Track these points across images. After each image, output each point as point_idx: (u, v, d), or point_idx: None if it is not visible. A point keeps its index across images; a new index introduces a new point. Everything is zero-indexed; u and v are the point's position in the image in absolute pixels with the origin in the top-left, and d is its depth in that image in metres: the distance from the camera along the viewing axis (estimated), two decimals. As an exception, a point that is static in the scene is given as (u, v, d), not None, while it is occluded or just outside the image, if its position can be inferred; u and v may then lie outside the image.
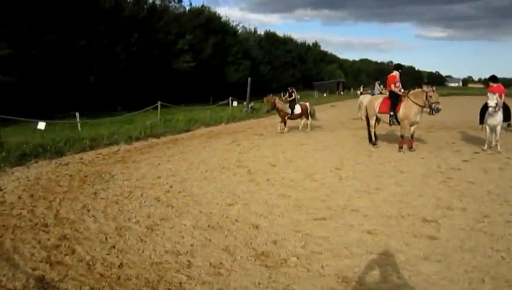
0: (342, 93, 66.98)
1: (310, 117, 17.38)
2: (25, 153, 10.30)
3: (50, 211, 6.45)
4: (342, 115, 25.07)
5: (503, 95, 11.55)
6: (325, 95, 54.42)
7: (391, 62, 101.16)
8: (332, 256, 4.78)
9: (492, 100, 11.00)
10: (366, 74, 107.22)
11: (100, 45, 30.31)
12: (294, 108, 16.74)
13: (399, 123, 11.66)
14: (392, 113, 11.68)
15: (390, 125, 12.08)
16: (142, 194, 7.42)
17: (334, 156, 11.02)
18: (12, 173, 9.03)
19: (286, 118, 16.70)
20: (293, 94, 17.22)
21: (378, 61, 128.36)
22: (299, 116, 17.07)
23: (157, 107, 18.24)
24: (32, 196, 7.31)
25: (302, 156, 11.09)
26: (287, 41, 70.79)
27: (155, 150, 12.26)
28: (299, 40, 78.57)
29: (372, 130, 12.46)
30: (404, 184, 7.94)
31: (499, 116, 11.18)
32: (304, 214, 6.26)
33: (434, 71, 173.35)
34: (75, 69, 28.51)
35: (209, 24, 46.52)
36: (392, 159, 10.48)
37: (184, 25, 42.81)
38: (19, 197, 7.19)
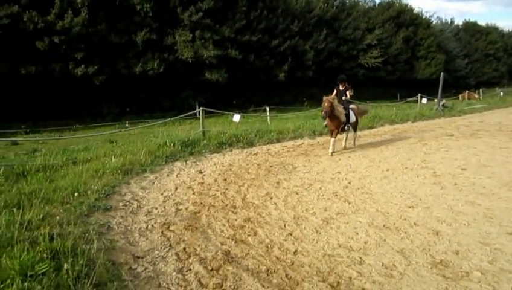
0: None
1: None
2: (222, 142, 11.64)
3: (239, 195, 7.19)
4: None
5: None
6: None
7: None
8: (527, 278, 4.15)
9: None
10: None
11: (291, 44, 32.01)
12: (349, 114, 11.24)
13: None
14: None
15: None
16: (320, 188, 7.65)
17: (543, 163, 9.41)
18: (211, 158, 10.32)
19: (339, 129, 11.07)
20: (348, 92, 11.28)
21: None
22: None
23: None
24: (225, 180, 8.25)
25: (501, 161, 9.77)
26: (491, 31, 62.79)
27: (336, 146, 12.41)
28: (505, 29, 69.04)
29: None
30: None
31: None
32: (496, 226, 5.55)
33: None
34: (267, 67, 30.77)
35: (400, 17, 44.63)
36: None
37: (373, 19, 42.09)
38: (215, 180, 8.20)
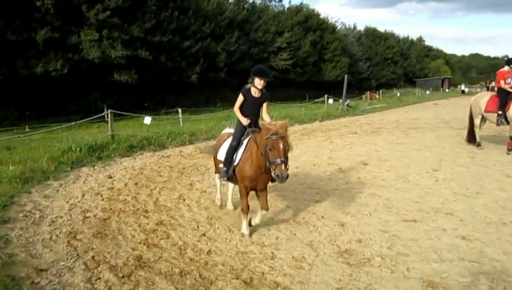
0: (447, 90, 62.76)
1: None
2: (133, 145, 11.31)
3: (150, 199, 7.05)
4: (446, 114, 23.51)
5: None
6: (427, 92, 51.47)
7: (507, 57, 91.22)
8: (419, 259, 4.59)
9: None
10: (476, 70, 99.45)
11: (203, 46, 31.93)
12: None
13: (508, 123, 10.67)
14: (500, 112, 10.74)
15: (498, 125, 11.09)
16: (234, 187, 7.72)
17: (432, 156, 10.43)
18: (121, 162, 9.98)
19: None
20: (265, 107, 5.78)
21: (491, 56, 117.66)
22: None
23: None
24: (136, 184, 8.03)
25: (397, 155, 10.67)
26: (388, 36, 68.04)
27: (249, 146, 12.64)
28: (401, 35, 75.22)
29: (477, 130, 11.56)
30: (509, 189, 7.26)
31: None
32: (394, 214, 6.07)
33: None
34: (180, 68, 30.39)
35: (308, 22, 46.48)
36: (498, 162, 9.63)
37: (283, 23, 43.35)
38: (125, 185, 7.95)
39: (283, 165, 4.66)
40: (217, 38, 34.24)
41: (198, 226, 5.74)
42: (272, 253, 4.86)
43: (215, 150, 6.25)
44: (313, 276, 4.29)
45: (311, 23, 46.82)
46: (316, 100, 27.52)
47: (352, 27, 65.00)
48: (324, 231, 5.51)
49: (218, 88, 34.63)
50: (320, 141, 13.48)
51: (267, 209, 5.42)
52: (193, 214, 6.25)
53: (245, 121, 5.50)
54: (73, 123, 13.58)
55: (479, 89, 57.12)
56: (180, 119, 17.42)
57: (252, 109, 5.63)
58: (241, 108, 5.66)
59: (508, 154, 10.46)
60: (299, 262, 4.62)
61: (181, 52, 30.48)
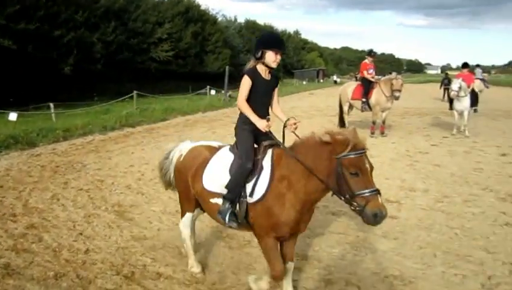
0: (321, 81, 67.46)
1: None
2: (-4, 145, 10.20)
3: (19, 201, 6.47)
4: (320, 103, 25.30)
5: (472, 83, 12.04)
6: (304, 83, 54.78)
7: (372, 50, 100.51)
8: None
9: (455, 84, 11.47)
10: (347, 62, 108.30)
11: (76, 35, 29.82)
12: None
13: (371, 109, 11.90)
14: (364, 99, 11.92)
15: (362, 111, 12.32)
16: (113, 183, 7.48)
17: (307, 142, 11.18)
18: (-17, 164, 8.96)
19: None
20: (276, 101, 3.98)
21: (359, 49, 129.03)
22: None
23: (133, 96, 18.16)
24: (1, 187, 7.29)
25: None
26: (268, 29, 70.65)
27: (130, 140, 12.24)
28: (279, 29, 78.61)
29: (345, 116, 12.68)
30: (371, 168, 8.15)
31: (466, 101, 11.54)
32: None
33: (414, 59, 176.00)
34: (51, 59, 28.03)
35: (189, 12, 46.09)
36: (364, 144, 10.70)
37: (163, 13, 42.40)
38: (-12, 188, 7.17)
39: (379, 198, 3.08)
40: (92, 28, 32.21)
41: (74, 226, 5.45)
42: (154, 245, 4.83)
43: (185, 175, 4.03)
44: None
45: (192, 14, 46.52)
46: (199, 92, 27.56)
47: (233, 19, 66.19)
48: (207, 218, 5.57)
49: (95, 80, 32.73)
50: (203, 132, 13.59)
51: (293, 259, 3.73)
52: (69, 214, 5.91)
53: (264, 126, 3.57)
54: None
55: (348, 80, 62.34)
56: (53, 115, 16.14)
57: (263, 98, 3.76)
58: (248, 101, 3.66)
59: (371, 137, 11.67)
60: (181, 249, 4.66)
61: (51, 41, 28.05)
